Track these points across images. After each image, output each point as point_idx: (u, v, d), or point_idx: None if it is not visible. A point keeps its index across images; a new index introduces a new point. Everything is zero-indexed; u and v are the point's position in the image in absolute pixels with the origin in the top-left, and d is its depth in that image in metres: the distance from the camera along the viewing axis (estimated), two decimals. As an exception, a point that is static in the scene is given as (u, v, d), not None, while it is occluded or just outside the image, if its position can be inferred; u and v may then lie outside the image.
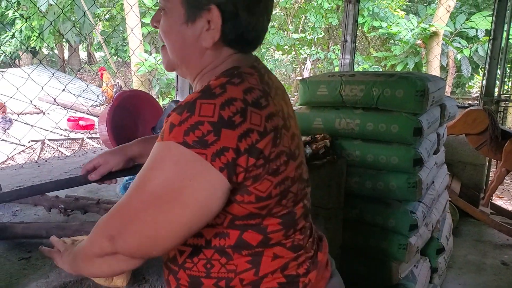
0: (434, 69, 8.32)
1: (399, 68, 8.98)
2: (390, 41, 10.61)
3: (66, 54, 18.03)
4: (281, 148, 0.90)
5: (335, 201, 2.46)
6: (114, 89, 9.76)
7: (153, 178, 0.83)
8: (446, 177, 3.29)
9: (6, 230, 1.30)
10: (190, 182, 0.81)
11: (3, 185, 1.70)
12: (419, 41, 8.69)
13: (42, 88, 2.26)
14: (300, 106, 2.75)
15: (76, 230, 1.28)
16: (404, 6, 11.35)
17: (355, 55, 4.70)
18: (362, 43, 12.00)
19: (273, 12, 11.84)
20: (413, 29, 8.86)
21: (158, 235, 0.85)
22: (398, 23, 9.45)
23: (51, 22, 8.33)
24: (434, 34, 8.50)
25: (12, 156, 6.02)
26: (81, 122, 7.98)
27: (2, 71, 10.27)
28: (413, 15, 9.78)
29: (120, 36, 12.88)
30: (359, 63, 9.60)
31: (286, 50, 11.76)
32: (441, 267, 2.96)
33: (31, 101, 2.41)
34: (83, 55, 20.19)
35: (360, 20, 8.60)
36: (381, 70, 9.75)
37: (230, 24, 0.91)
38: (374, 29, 10.07)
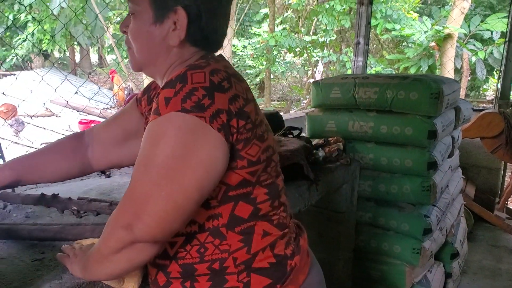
0: (448, 72, 8.24)
1: (412, 71, 8.91)
2: (403, 44, 10.54)
3: (77, 57, 18.20)
4: (261, 118, 1.01)
5: (348, 205, 2.44)
6: (126, 92, 9.81)
7: (159, 152, 0.86)
8: (461, 181, 3.25)
9: (19, 231, 1.31)
10: (195, 145, 0.86)
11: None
12: (432, 44, 8.62)
13: (55, 90, 2.27)
14: (313, 109, 2.74)
15: (91, 230, 1.28)
16: (417, 8, 11.28)
17: (368, 58, 4.67)
18: (375, 46, 11.94)
19: (285, 14, 11.90)
20: (427, 31, 8.79)
21: (176, 206, 0.87)
22: (411, 25, 9.38)
23: (64, 25, 8.41)
24: (448, 36, 8.42)
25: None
26: (91, 125, 8.04)
27: (14, 74, 10.42)
28: (427, 17, 9.71)
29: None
30: (372, 66, 9.55)
31: (298, 53, 11.75)
32: (455, 272, 2.92)
33: (44, 104, 2.42)
34: (94, 58, 20.37)
35: (373, 22, 8.55)
36: (394, 72, 9.68)
37: (195, 25, 0.98)
38: (387, 31, 10.01)
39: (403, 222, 2.45)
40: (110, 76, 10.04)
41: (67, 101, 3.78)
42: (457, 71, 9.46)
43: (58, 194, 1.54)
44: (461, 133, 3.23)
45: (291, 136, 2.30)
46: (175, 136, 0.86)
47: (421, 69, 8.95)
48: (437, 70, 8.99)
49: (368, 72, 4.52)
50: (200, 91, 0.87)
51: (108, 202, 1.51)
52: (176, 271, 1.00)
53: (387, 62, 10.37)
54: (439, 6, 11.66)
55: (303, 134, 2.38)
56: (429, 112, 2.32)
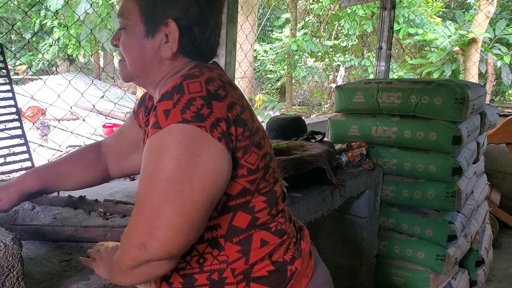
0: (472, 77, 8.10)
1: (435, 76, 8.77)
2: (426, 48, 10.41)
3: (101, 62, 18.45)
4: (257, 125, 1.01)
5: (370, 210, 2.43)
6: (147, 97, 9.90)
7: (164, 167, 0.85)
8: (486, 187, 3.20)
9: (47, 232, 1.34)
10: (199, 156, 0.85)
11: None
12: (456, 48, 8.48)
13: (82, 94, 2.32)
14: (336, 113, 2.73)
15: (103, 235, 1.30)
16: (440, 13, 11.14)
17: (390, 62, 4.63)
18: (396, 50, 11.83)
19: (306, 19, 11.89)
20: (451, 36, 8.66)
21: (190, 219, 0.85)
22: (434, 29, 9.26)
23: (91, 31, 8.54)
24: (473, 40, 8.26)
25: (49, 161, 6.18)
26: (115, 129, 8.14)
27: (40, 78, 10.62)
28: (450, 22, 9.57)
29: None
30: (394, 71, 9.45)
31: (319, 57, 11.71)
32: (480, 280, 2.87)
33: (71, 107, 2.47)
34: (116, 62, 20.64)
35: (396, 27, 8.49)
36: (416, 77, 9.57)
37: (186, 37, 0.99)
38: (410, 36, 9.91)
39: (427, 228, 2.42)
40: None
41: (94, 105, 3.83)
42: (482, 76, 9.27)
43: (85, 196, 1.57)
44: (486, 139, 3.18)
45: (314, 140, 2.30)
46: (178, 148, 0.85)
47: (444, 73, 8.80)
48: (461, 75, 8.84)
49: (391, 77, 4.47)
50: (198, 100, 0.87)
51: (134, 205, 1.52)
52: (178, 281, 1.01)
53: (409, 67, 10.25)
54: (463, 10, 11.49)
55: (325, 139, 2.37)
56: (453, 117, 2.29)
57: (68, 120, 8.24)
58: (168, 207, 0.84)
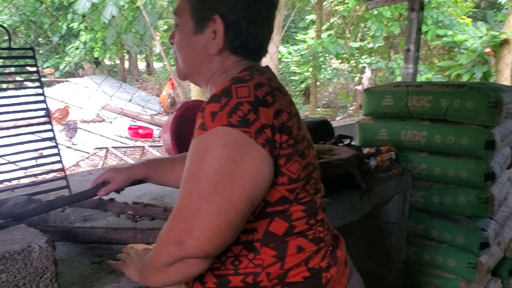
0: (505, 79, 7.91)
1: (465, 78, 8.58)
2: (455, 50, 10.21)
3: (126, 64, 18.71)
4: (303, 134, 1.00)
5: (399, 216, 2.39)
6: (169, 100, 10.04)
7: (206, 168, 0.87)
8: (520, 193, 3.10)
9: (79, 234, 1.35)
10: (242, 161, 0.87)
11: (73, 190, 1.77)
12: (488, 49, 8.29)
13: (110, 97, 2.34)
14: (364, 117, 2.69)
15: (134, 237, 1.31)
16: (470, 13, 10.91)
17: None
18: (424, 52, 11.64)
19: (332, 20, 11.81)
20: (481, 37, 8.46)
21: (228, 220, 0.86)
22: (464, 30, 9.06)
23: (119, 34, 8.68)
24: (505, 41, 8.07)
25: (78, 163, 6.30)
26: (140, 131, 8.24)
27: (68, 80, 10.83)
28: (481, 22, 9.35)
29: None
30: (421, 73, 9.29)
31: (345, 59, 11.62)
32: (513, 288, 2.79)
33: (100, 110, 2.50)
34: (141, 65, 20.91)
35: (424, 28, 8.34)
36: (445, 80, 9.38)
37: (233, 33, 1.00)
38: (438, 37, 9.73)
39: (458, 235, 2.36)
40: (170, 82, 10.31)
41: (122, 108, 3.87)
42: (515, 78, 9.03)
43: (114, 198, 1.58)
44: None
45: (341, 144, 2.27)
46: (222, 151, 0.86)
47: (474, 76, 8.61)
48: (493, 77, 8.64)
49: (418, 79, 4.39)
50: (245, 105, 0.88)
51: (162, 208, 1.53)
52: (212, 281, 1.01)
53: (437, 69, 10.07)
54: (494, 10, 11.23)
55: (353, 143, 2.34)
56: (486, 121, 2.23)
57: (94, 122, 8.38)
58: (208, 207, 0.86)
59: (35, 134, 1.70)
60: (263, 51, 1.08)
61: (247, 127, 0.87)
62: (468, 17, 10.09)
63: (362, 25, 11.30)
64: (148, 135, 8.15)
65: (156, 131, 8.37)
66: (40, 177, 1.82)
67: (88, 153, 6.69)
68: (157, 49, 14.71)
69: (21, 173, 1.76)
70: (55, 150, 1.72)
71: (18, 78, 2.49)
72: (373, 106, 2.58)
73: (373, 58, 11.05)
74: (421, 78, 9.06)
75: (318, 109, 12.58)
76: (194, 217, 0.86)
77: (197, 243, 0.86)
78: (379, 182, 2.15)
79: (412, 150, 2.47)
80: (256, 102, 0.90)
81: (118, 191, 1.37)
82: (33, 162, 1.70)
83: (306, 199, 1.00)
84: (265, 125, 0.89)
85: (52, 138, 1.72)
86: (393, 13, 9.48)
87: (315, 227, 1.04)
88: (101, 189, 1.32)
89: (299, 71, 12.77)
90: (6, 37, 1.60)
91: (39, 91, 1.70)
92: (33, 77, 1.73)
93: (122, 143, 7.46)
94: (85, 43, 11.67)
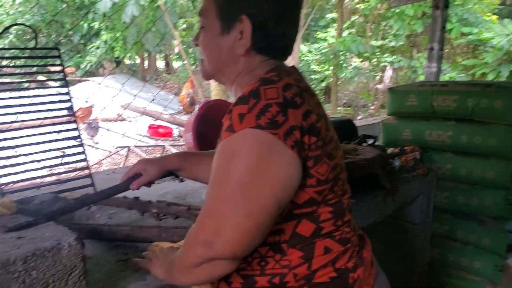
0: (535, 79, 7.72)
1: (490, 77, 8.38)
2: (480, 48, 10.00)
3: (146, 64, 18.86)
4: (331, 135, 0.99)
5: (423, 216, 2.35)
6: (188, 99, 10.10)
7: (234, 170, 0.87)
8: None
9: (105, 232, 1.36)
10: (270, 163, 0.86)
11: (98, 188, 1.78)
12: (515, 47, 8.10)
13: (134, 97, 2.36)
14: (388, 116, 2.66)
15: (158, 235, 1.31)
16: (496, 10, 10.68)
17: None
18: (447, 50, 11.45)
19: (352, 19, 11.71)
20: (508, 35, 8.25)
21: (257, 223, 0.86)
22: (490, 28, 8.86)
23: (142, 34, 8.76)
24: (534, 39, 7.86)
25: (100, 161, 6.37)
26: (160, 130, 8.31)
27: (88, 79, 10.98)
28: (508, 19, 9.13)
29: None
30: (444, 72, 9.13)
31: (366, 58, 11.51)
32: (541, 292, 2.73)
33: (124, 109, 2.52)
34: (160, 64, 21.07)
35: (448, 26, 8.19)
36: (469, 79, 9.20)
37: (260, 33, 0.99)
38: (463, 36, 9.55)
39: (484, 236, 2.32)
40: (189, 81, 10.38)
41: (144, 108, 3.90)
42: (545, 77, 8.80)
43: (139, 197, 1.59)
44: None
45: (365, 144, 2.25)
46: (250, 154, 0.86)
47: (500, 74, 8.42)
48: (520, 76, 8.43)
49: (441, 78, 4.32)
50: (274, 107, 0.87)
51: (186, 206, 1.53)
52: (238, 281, 1.00)
53: (461, 68, 9.88)
54: (521, 7, 10.98)
55: (377, 143, 2.32)
56: (515, 121, 2.18)
57: (115, 121, 8.47)
58: (236, 209, 0.86)
59: (60, 133, 1.72)
60: (289, 51, 1.07)
61: (276, 129, 0.86)
62: (493, 14, 9.88)
63: (384, 23, 11.18)
64: (168, 134, 8.22)
65: (175, 130, 8.43)
66: (65, 175, 1.84)
67: (110, 151, 6.77)
68: (176, 48, 14.80)
69: (46, 171, 1.78)
70: (80, 149, 1.74)
71: (42, 77, 2.53)
72: (397, 106, 2.55)
73: (394, 57, 10.92)
74: (444, 77, 8.92)
75: (338, 108, 12.48)
76: (222, 218, 0.86)
77: (226, 244, 0.86)
78: (403, 182, 2.12)
79: (437, 150, 2.44)
80: (285, 103, 0.88)
81: (150, 183, 1.33)
82: (58, 161, 1.72)
83: (334, 200, 1.00)
84: (294, 126, 0.87)
85: (77, 137, 1.74)
86: (416, 11, 9.35)
87: (342, 228, 1.03)
88: (133, 182, 1.29)
89: (319, 69, 12.70)
90: (26, 36, 1.62)
91: (64, 90, 1.72)
92: (58, 77, 1.75)
93: (142, 142, 7.54)
94: (106, 42, 11.80)
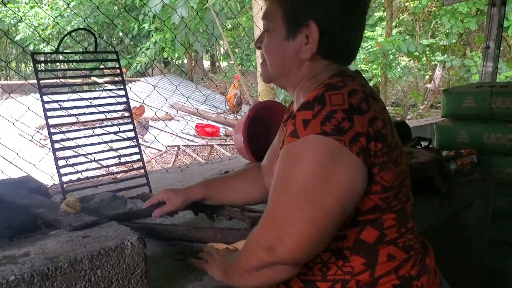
0: None
1: (552, 76, 8.01)
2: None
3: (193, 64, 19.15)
4: (396, 140, 0.97)
5: (481, 222, 2.27)
6: (235, 99, 10.16)
7: (298, 175, 0.86)
8: None
9: (162, 231, 1.39)
10: (335, 170, 0.85)
11: (152, 187, 1.82)
12: None
13: (187, 99, 2.40)
14: (443, 118, 2.58)
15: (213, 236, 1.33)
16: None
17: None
18: (502, 48, 10.98)
19: (401, 17, 11.42)
20: None
21: (320, 229, 0.85)
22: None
23: (196, 37, 8.90)
24: None
25: (150, 160, 6.51)
26: (207, 129, 8.41)
27: (138, 80, 11.24)
28: None
29: (247, 44, 13.32)
30: (500, 71, 8.78)
31: (416, 57, 11.22)
32: None
33: (177, 111, 2.57)
34: (206, 64, 21.33)
35: (505, 23, 7.84)
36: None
37: (327, 38, 0.98)
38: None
39: (547, 244, 2.22)
40: (236, 81, 10.48)
41: (197, 109, 3.97)
42: None
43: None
44: None
45: (419, 147, 2.20)
46: (314, 159, 0.85)
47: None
48: None
49: (497, 78, 4.15)
50: (339, 113, 0.86)
51: (240, 208, 1.54)
52: (298, 286, 1.00)
53: (518, 66, 9.48)
54: None
55: (431, 145, 2.25)
56: None
57: (163, 120, 8.63)
58: (300, 215, 0.85)
59: (117, 134, 1.78)
60: (354, 56, 1.07)
61: (341, 136, 0.85)
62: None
63: (434, 21, 10.85)
64: (215, 133, 8.31)
65: (222, 129, 8.51)
66: (122, 175, 1.89)
67: (160, 150, 6.91)
68: (222, 48, 14.94)
69: (103, 170, 1.84)
70: (136, 149, 1.79)
71: (99, 79, 2.62)
72: (452, 108, 2.47)
73: (446, 56, 10.59)
74: (500, 76, 8.57)
75: (387, 108, 12.25)
76: (285, 224, 0.86)
77: (288, 250, 0.85)
78: (460, 186, 2.06)
79: (496, 154, 2.36)
80: (351, 109, 0.87)
81: (173, 213, 1.37)
82: (115, 160, 1.77)
83: (398, 207, 0.98)
84: (360, 133, 0.86)
85: (134, 138, 1.79)
86: (470, 8, 9.02)
87: (406, 235, 1.01)
88: (156, 210, 1.33)
89: (367, 69, 12.49)
90: (79, 38, 1.68)
91: (122, 92, 1.77)
92: (116, 79, 1.81)
93: (189, 140, 7.66)
94: (155, 43, 12.06)
